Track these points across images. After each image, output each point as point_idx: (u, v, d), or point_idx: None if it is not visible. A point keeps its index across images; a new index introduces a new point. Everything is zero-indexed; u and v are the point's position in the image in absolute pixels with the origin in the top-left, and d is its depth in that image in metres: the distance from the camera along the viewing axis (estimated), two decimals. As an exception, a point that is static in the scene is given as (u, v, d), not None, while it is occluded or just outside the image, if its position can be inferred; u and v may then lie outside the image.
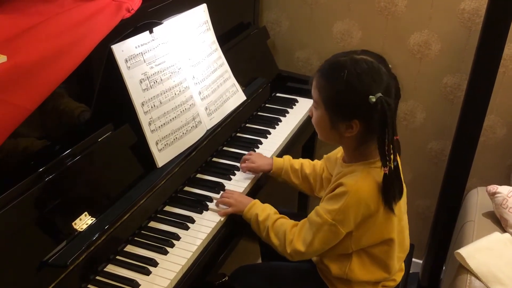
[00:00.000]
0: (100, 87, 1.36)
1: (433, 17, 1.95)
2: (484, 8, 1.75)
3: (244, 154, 1.64)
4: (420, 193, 2.22)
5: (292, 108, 1.98)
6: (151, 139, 1.40)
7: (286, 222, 1.36)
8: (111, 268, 1.23)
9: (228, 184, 1.54)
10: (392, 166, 1.21)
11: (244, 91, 1.79)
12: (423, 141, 2.14)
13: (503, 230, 1.68)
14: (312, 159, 1.61)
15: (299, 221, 1.35)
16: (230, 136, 1.76)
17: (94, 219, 1.22)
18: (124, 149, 1.37)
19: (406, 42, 2.02)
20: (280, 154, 1.72)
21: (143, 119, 1.39)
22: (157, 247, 1.28)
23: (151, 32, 1.43)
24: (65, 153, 1.22)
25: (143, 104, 1.39)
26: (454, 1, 1.89)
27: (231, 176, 1.57)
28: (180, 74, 1.52)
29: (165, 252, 1.27)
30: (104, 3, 1.31)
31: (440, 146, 2.13)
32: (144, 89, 1.40)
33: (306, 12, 2.14)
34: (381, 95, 1.16)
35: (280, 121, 1.89)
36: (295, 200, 2.27)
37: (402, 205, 1.33)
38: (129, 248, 1.29)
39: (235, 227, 1.45)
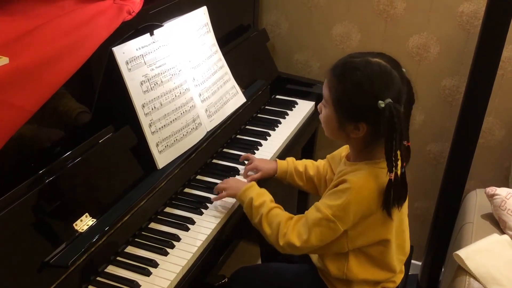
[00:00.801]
0: (101, 89, 1.37)
1: (431, 19, 1.95)
2: (483, 10, 1.76)
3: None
4: (419, 194, 2.22)
5: (291, 110, 1.99)
6: (152, 140, 1.41)
7: (281, 213, 1.34)
8: (111, 269, 1.23)
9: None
10: (399, 172, 1.21)
11: (244, 93, 1.80)
12: (422, 143, 2.14)
13: (502, 231, 1.68)
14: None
15: None
16: (230, 138, 1.77)
17: (95, 220, 1.23)
18: (124, 150, 1.38)
19: (405, 45, 2.02)
20: (279, 156, 1.73)
21: (144, 121, 1.39)
22: (157, 248, 1.29)
23: (151, 34, 1.44)
24: (66, 154, 1.22)
25: (143, 106, 1.40)
26: (453, 4, 1.90)
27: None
28: (181, 76, 1.53)
29: (165, 253, 1.28)
30: (105, 6, 1.32)
31: (439, 148, 2.13)
32: (144, 91, 1.40)
33: (305, 14, 2.15)
34: (390, 101, 1.15)
35: (280, 123, 1.90)
36: (294, 202, 2.28)
37: (403, 208, 1.33)
38: (130, 249, 1.29)
39: (235, 229, 1.45)
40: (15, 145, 1.15)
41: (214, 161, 1.66)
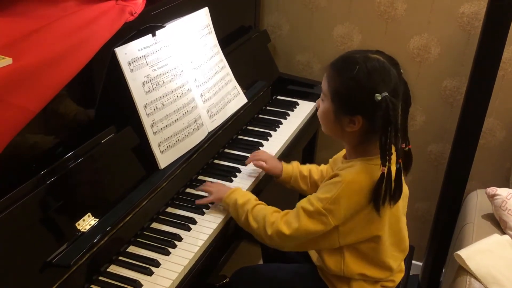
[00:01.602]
0: (103, 90, 1.38)
1: (432, 21, 1.96)
2: (483, 12, 1.76)
3: (245, 156, 1.65)
4: (420, 195, 2.22)
5: (292, 111, 1.99)
6: (154, 141, 1.41)
7: (266, 207, 1.36)
8: (113, 269, 1.24)
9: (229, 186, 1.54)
10: (393, 168, 1.22)
11: (245, 93, 1.80)
12: (423, 143, 2.15)
13: (503, 232, 1.68)
14: (312, 162, 1.61)
15: None
16: (232, 139, 1.78)
17: (97, 220, 1.23)
18: (126, 151, 1.38)
19: (406, 46, 2.03)
20: (281, 157, 1.73)
21: (146, 121, 1.40)
22: (159, 248, 1.29)
23: (153, 35, 1.45)
24: (69, 154, 1.23)
25: (145, 106, 1.40)
26: (454, 5, 1.90)
27: (233, 178, 1.58)
28: (182, 77, 1.53)
29: (167, 253, 1.28)
30: (107, 7, 1.32)
31: (440, 148, 2.14)
32: (146, 92, 1.41)
33: (306, 15, 2.15)
34: (387, 94, 1.17)
35: (281, 123, 1.90)
36: (295, 204, 2.27)
37: (401, 206, 1.34)
38: (132, 249, 1.30)
39: (237, 229, 1.46)
40: (18, 145, 1.16)
41: (216, 161, 1.67)
